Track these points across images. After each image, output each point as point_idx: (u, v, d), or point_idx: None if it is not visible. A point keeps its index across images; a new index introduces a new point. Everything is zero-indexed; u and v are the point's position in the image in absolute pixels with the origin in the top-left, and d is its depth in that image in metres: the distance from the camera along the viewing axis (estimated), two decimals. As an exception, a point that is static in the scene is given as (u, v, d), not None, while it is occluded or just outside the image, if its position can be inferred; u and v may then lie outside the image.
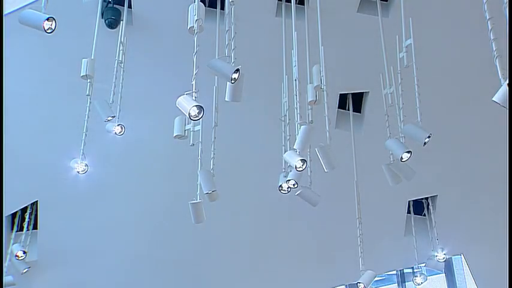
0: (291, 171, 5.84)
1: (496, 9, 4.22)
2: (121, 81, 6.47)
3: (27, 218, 9.17)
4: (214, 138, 5.99)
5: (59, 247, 9.54)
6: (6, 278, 8.59)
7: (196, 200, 5.70)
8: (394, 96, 6.29)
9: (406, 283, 12.22)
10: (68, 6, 6.96)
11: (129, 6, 7.23)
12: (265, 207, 9.45)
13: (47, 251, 9.45)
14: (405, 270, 12.20)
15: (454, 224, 10.01)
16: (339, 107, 8.57)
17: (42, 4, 4.90)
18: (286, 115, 6.33)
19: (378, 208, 9.18)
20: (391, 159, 6.26)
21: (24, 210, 9.27)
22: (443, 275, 11.85)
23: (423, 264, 9.77)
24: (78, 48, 6.75)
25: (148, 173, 9.05)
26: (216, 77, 5.87)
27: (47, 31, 4.81)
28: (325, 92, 5.97)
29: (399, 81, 6.16)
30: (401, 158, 5.85)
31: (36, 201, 9.11)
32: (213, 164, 5.84)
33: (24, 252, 8.78)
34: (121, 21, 6.94)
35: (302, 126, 5.60)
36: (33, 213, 9.23)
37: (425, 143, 5.70)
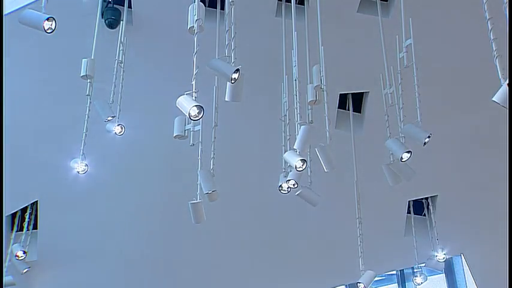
0: (291, 171, 5.84)
1: (496, 9, 4.22)
2: (121, 81, 6.48)
3: (27, 218, 9.18)
4: (214, 138, 6.00)
5: (59, 247, 9.54)
6: (6, 278, 8.60)
7: (196, 200, 5.70)
8: (394, 96, 6.29)
9: (406, 283, 12.21)
10: (68, 6, 6.96)
11: (129, 6, 7.23)
12: (265, 208, 9.45)
13: (47, 251, 9.45)
14: (405, 270, 12.18)
15: (454, 224, 10.01)
16: (339, 107, 8.58)
17: (42, 4, 4.90)
18: (286, 115, 6.33)
19: (378, 208, 9.18)
20: (391, 159, 6.26)
21: (24, 210, 9.28)
22: (443, 275, 11.83)
23: (423, 264, 9.77)
24: (78, 48, 6.75)
25: (148, 173, 9.05)
26: (216, 77, 5.87)
27: (47, 31, 4.82)
28: (325, 92, 5.97)
29: (399, 81, 6.16)
30: (401, 158, 5.85)
31: (36, 201, 9.11)
32: (213, 164, 5.84)
33: (24, 252, 8.79)
34: (121, 21, 6.94)
35: (302, 126, 5.60)
36: (33, 213, 9.24)
37: (425, 143, 5.71)
